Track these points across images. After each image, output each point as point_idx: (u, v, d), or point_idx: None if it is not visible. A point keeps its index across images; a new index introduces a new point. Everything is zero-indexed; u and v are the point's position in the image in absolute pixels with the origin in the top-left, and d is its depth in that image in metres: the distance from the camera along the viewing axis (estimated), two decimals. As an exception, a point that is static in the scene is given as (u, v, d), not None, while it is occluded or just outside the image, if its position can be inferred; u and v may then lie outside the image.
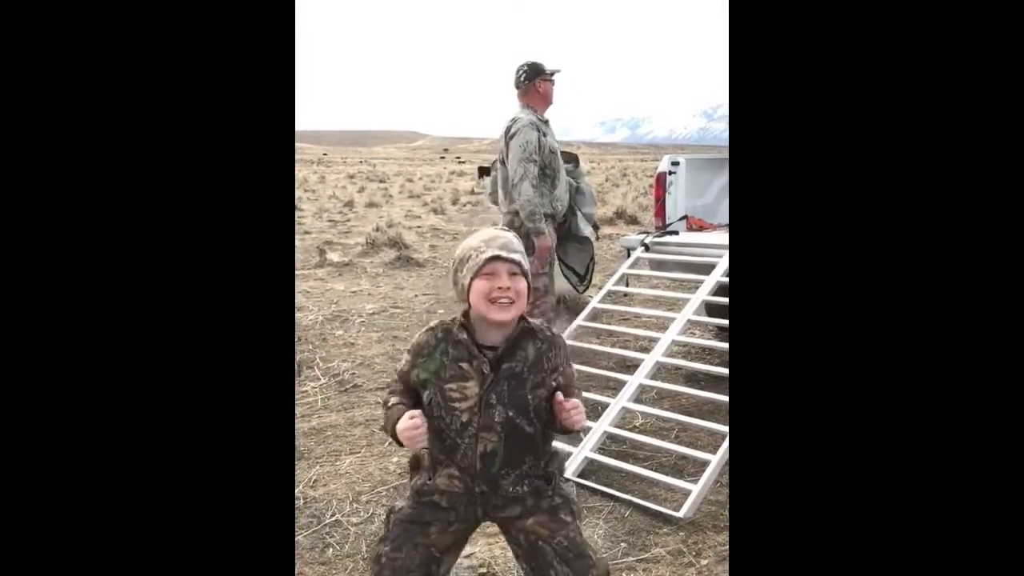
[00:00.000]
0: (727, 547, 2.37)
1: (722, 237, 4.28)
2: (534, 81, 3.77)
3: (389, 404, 1.61)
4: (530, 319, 1.63)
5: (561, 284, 4.16)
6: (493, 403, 1.53)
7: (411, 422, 1.50)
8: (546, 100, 3.82)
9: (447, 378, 1.55)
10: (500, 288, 1.50)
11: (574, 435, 1.97)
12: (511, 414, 1.54)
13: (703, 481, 2.68)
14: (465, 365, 1.54)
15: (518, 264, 1.53)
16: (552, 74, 3.82)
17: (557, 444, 1.71)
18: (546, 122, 3.79)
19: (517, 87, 3.82)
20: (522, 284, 1.54)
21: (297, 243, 9.89)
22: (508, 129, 3.68)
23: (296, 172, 31.38)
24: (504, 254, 1.52)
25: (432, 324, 1.64)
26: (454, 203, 17.98)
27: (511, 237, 1.57)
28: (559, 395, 1.53)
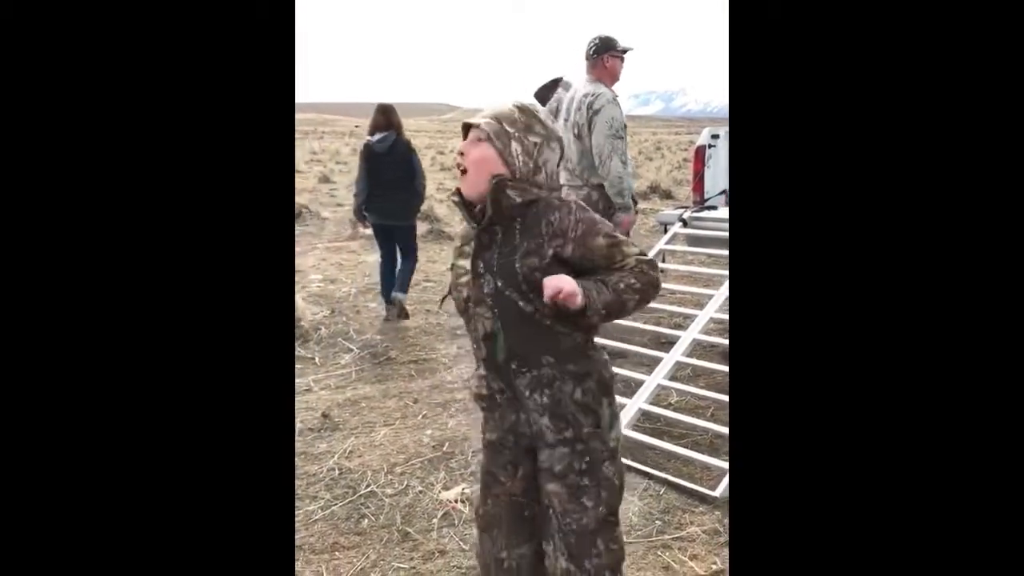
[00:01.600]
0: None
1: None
2: (603, 56, 3.72)
3: None
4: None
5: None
6: (481, 271, 1.41)
7: None
8: (613, 76, 3.77)
9: (457, 255, 1.50)
10: (457, 154, 1.44)
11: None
12: (499, 284, 1.39)
13: (740, 461, 2.64)
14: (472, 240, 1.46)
15: (481, 128, 1.41)
16: (623, 52, 3.78)
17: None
18: (617, 97, 3.76)
19: (587, 59, 3.78)
20: (480, 150, 1.40)
21: (330, 215, 9.95)
22: (589, 104, 3.63)
23: (328, 144, 31.59)
24: (472, 120, 1.43)
25: None
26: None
27: (507, 105, 1.44)
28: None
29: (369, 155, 4.66)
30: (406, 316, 4.91)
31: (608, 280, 1.38)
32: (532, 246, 1.38)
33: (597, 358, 1.50)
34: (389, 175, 4.63)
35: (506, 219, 1.41)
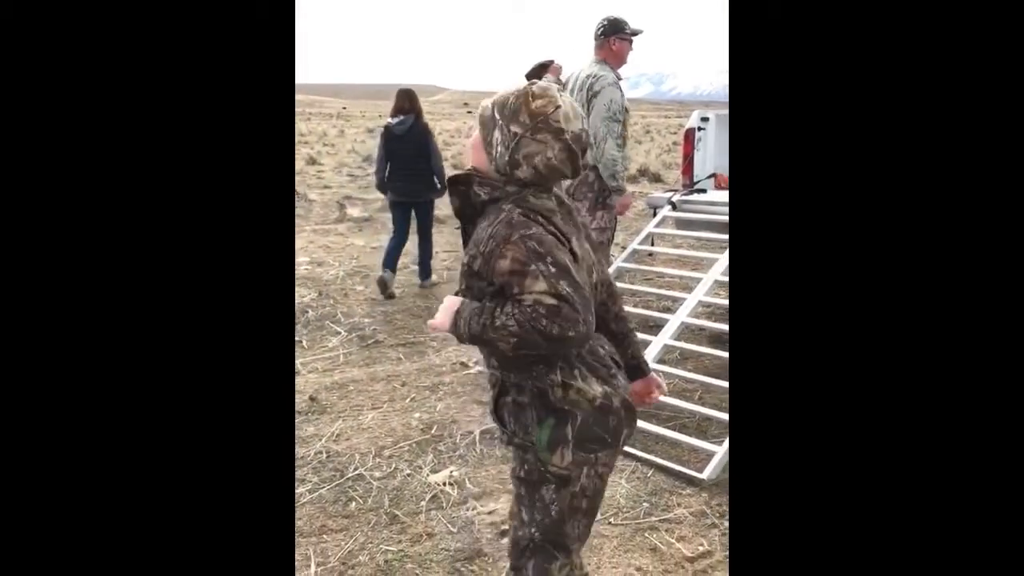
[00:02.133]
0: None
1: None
2: (610, 38, 3.68)
3: None
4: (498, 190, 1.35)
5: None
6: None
7: None
8: (620, 59, 3.74)
9: None
10: None
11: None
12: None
13: (727, 443, 2.65)
14: None
15: (478, 117, 1.37)
16: (632, 34, 3.74)
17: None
18: (620, 80, 3.73)
19: (595, 39, 3.75)
20: (475, 133, 1.37)
21: (317, 198, 9.87)
22: (590, 86, 3.60)
23: (316, 126, 31.26)
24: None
25: None
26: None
27: (509, 88, 1.35)
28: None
29: (389, 137, 5.04)
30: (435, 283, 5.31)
31: (489, 312, 1.25)
32: (467, 250, 1.36)
33: (545, 375, 1.33)
34: (406, 156, 4.99)
35: (475, 214, 1.37)
